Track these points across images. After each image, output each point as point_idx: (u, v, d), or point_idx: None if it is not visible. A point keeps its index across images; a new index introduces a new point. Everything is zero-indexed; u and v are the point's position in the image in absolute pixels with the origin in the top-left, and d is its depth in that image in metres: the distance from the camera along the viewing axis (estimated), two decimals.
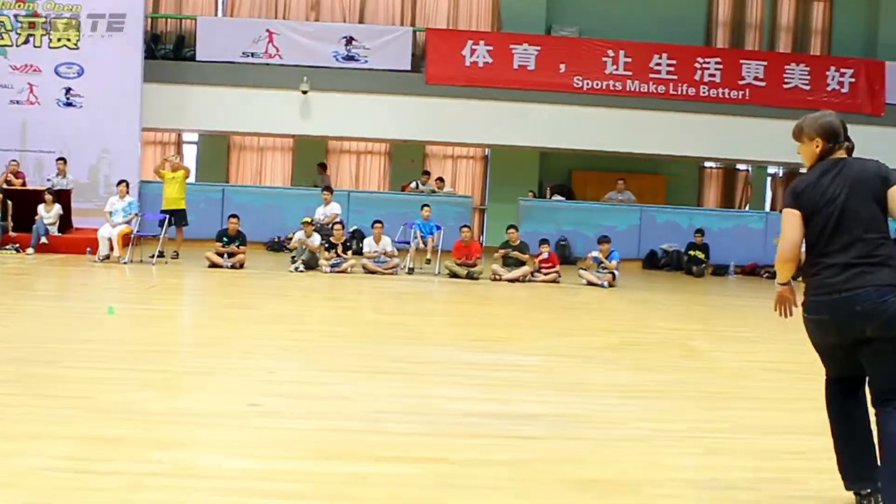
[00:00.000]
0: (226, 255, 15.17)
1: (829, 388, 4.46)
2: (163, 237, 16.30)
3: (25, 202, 17.00)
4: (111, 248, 15.55)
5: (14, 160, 18.24)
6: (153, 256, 15.72)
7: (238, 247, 15.31)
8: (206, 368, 7.00)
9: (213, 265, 15.13)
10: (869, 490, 4.27)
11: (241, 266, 15.16)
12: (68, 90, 19.25)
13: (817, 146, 4.39)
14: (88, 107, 19.20)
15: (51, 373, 6.57)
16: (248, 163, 24.06)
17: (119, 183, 16.32)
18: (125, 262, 15.32)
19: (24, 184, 17.95)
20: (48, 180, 18.02)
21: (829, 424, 4.44)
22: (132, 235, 15.88)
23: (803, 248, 4.37)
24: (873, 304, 4.06)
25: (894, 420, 4.10)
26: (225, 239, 15.43)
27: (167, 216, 16.43)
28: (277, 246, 19.62)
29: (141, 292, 12.15)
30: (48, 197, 16.78)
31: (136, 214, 16.21)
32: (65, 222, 17.30)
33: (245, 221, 16.66)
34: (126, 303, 10.88)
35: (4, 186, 17.29)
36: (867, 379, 4.26)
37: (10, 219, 16.64)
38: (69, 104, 19.24)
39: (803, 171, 4.57)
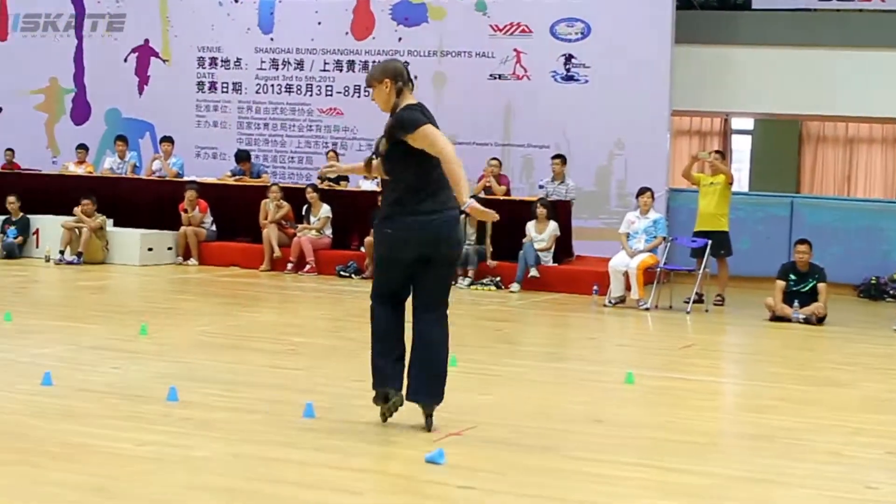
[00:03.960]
0: (796, 304, 15.04)
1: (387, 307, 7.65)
2: (701, 273, 16.59)
3: (507, 218, 18.18)
4: (627, 288, 16.13)
5: (494, 159, 19.69)
6: (687, 301, 16.04)
7: (810, 289, 15.12)
8: (773, 473, 6.91)
9: (776, 318, 15.07)
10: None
11: (820, 321, 14.92)
12: (569, 58, 20.40)
13: (387, 87, 7.57)
14: (596, 81, 20.19)
15: (546, 464, 6.86)
16: (830, 163, 23.82)
17: (640, 192, 16.86)
18: (647, 308, 15.80)
19: (507, 192, 19.29)
20: (540, 187, 19.19)
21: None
22: (658, 269, 16.36)
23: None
24: None
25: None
26: (792, 277, 15.31)
27: (706, 242, 16.65)
28: (875, 291, 19.11)
29: (671, 353, 12.40)
30: (540, 211, 17.85)
31: (664, 239, 16.65)
32: (563, 247, 18.26)
33: (823, 252, 16.40)
34: (649, 368, 11.14)
35: (482, 195, 18.71)
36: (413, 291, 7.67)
37: (488, 241, 17.95)
38: (570, 78, 20.39)
39: None
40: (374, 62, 21.25)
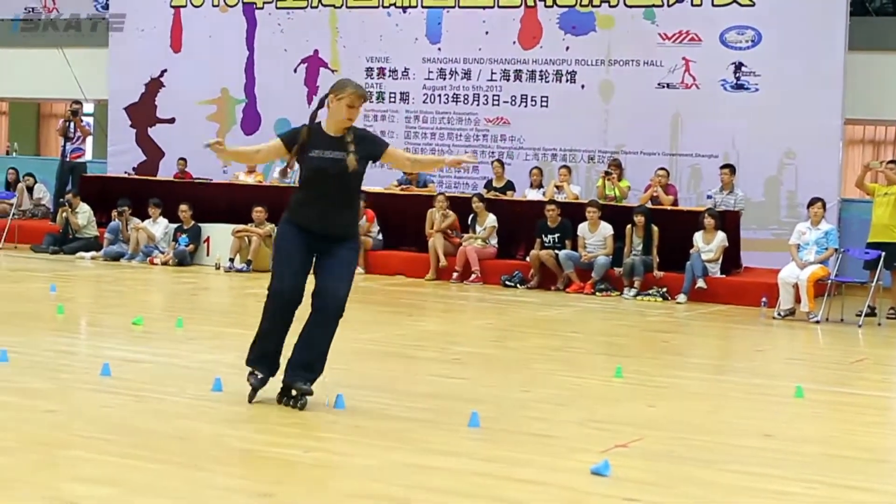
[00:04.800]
0: None
1: None
2: (874, 286, 16.26)
3: (675, 228, 18.09)
4: (797, 300, 15.88)
5: (662, 168, 19.55)
6: (859, 314, 15.73)
7: None
8: None
9: None
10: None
11: None
12: (739, 66, 20.14)
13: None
14: (767, 90, 19.87)
15: (712, 478, 6.79)
16: None
17: (812, 203, 16.55)
18: (817, 321, 15.53)
19: (675, 202, 19.14)
20: (709, 197, 19.00)
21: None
22: (828, 281, 16.07)
23: None
24: None
25: None
26: None
27: (879, 254, 16.34)
28: None
29: (842, 367, 12.19)
30: (708, 221, 17.65)
31: (836, 250, 16.36)
32: (731, 258, 18.05)
33: None
34: (819, 382, 10.97)
35: (649, 206, 18.60)
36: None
37: (655, 252, 17.81)
38: (739, 86, 20.13)
39: None
40: (541, 71, 21.32)
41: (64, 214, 21.25)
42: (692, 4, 20.41)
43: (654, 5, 20.64)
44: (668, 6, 20.55)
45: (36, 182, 24.42)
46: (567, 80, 21.35)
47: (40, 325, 12.07)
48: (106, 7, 26.05)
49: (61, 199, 21.90)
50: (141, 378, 9.23)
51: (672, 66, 20.50)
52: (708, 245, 17.68)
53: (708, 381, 10.73)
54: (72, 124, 23.33)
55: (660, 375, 10.70)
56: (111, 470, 6.40)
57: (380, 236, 20.21)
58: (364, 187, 20.47)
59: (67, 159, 23.36)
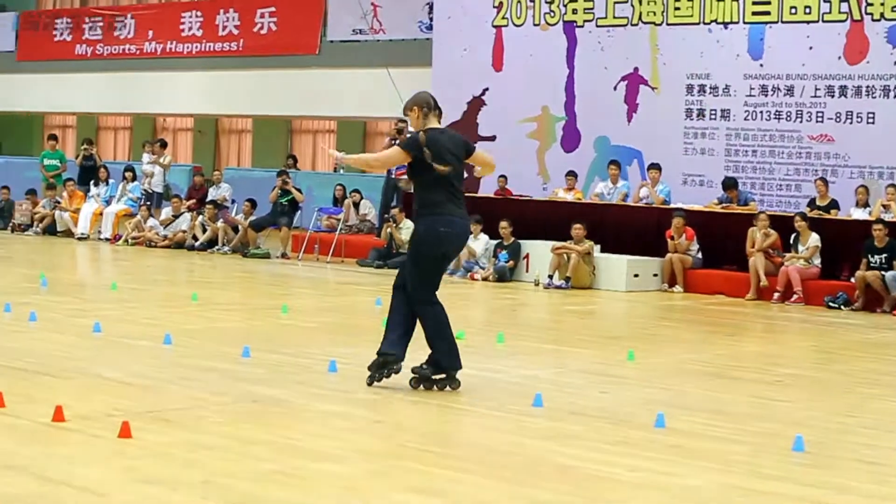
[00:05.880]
0: None
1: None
2: None
3: None
4: None
5: None
6: None
7: None
8: None
9: None
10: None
11: None
12: None
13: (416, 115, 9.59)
14: None
15: None
16: None
17: None
18: None
19: None
20: None
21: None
22: None
23: None
24: None
25: None
26: None
27: None
28: None
29: None
30: None
31: None
32: None
33: None
34: None
35: None
36: None
37: None
38: None
39: None
40: (868, 87, 20.72)
41: (388, 230, 21.89)
42: None
43: None
44: None
45: (362, 198, 25.19)
46: (895, 96, 20.65)
47: (366, 338, 12.41)
48: (430, 28, 26.74)
49: (386, 215, 22.57)
50: (462, 391, 9.41)
51: None
52: None
53: None
54: (397, 142, 23.99)
55: None
56: (440, 482, 6.56)
57: (699, 255, 19.97)
58: (683, 205, 20.55)
59: (392, 176, 24.01)
